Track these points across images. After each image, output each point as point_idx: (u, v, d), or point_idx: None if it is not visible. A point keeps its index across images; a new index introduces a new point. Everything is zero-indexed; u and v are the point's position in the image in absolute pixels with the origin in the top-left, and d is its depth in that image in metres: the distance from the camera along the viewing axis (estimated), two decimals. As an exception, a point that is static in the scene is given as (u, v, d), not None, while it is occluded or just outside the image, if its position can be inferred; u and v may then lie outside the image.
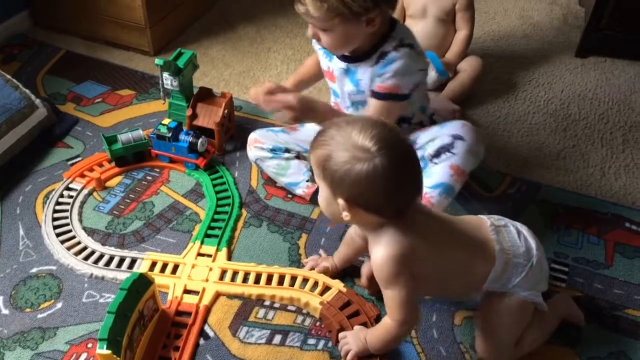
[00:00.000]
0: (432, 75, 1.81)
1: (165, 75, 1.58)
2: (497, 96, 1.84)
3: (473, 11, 1.81)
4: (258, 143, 1.49)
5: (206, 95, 1.66)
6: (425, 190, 1.28)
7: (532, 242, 1.09)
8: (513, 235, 1.09)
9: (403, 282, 1.00)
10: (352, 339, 1.12)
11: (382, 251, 1.00)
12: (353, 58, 1.32)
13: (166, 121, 1.52)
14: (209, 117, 1.61)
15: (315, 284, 1.26)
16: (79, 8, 1.99)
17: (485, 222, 1.09)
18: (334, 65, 1.36)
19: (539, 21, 2.20)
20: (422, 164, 1.32)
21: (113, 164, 1.55)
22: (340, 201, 0.97)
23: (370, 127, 0.94)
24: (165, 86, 1.60)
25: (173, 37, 2.07)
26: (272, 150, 1.47)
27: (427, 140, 1.35)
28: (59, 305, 1.23)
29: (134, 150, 1.53)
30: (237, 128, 1.68)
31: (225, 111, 1.62)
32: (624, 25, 1.94)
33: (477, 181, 1.54)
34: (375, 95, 1.30)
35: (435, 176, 1.30)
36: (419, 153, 1.35)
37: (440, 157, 1.30)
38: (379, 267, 1.01)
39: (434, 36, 1.82)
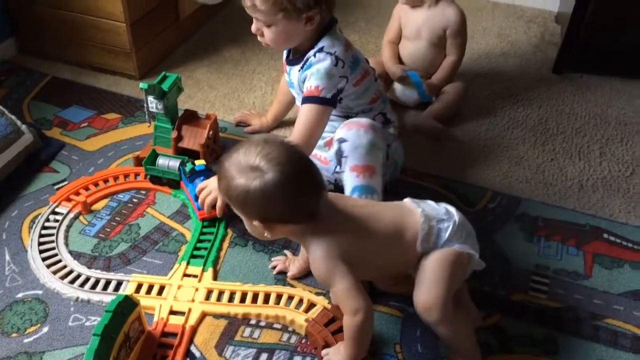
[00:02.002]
0: (414, 95, 1.85)
1: (150, 98, 1.60)
2: (477, 112, 1.88)
3: (464, 39, 1.84)
4: None
5: (191, 117, 1.68)
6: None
7: (451, 208, 1.17)
8: (432, 203, 1.17)
9: (340, 274, 1.05)
10: (333, 354, 1.14)
11: (313, 255, 1.07)
12: (290, 60, 1.42)
13: (200, 162, 1.53)
14: (194, 138, 1.63)
15: (300, 301, 1.27)
16: (64, 34, 2.01)
17: (405, 200, 1.18)
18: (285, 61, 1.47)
19: (516, 39, 2.26)
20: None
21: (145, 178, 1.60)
22: (256, 222, 1.04)
23: (254, 147, 1.01)
24: (150, 109, 1.62)
25: (158, 61, 2.09)
26: None
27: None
28: (45, 329, 1.23)
29: (163, 175, 1.56)
30: (222, 149, 1.71)
31: (210, 132, 1.64)
32: (598, 42, 1.99)
33: (458, 196, 1.57)
34: (302, 101, 1.38)
35: (347, 183, 1.35)
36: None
37: (341, 165, 1.36)
38: (316, 270, 1.08)
39: (424, 58, 1.86)
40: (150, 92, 1.58)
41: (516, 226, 1.49)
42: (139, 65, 2.01)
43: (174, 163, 1.56)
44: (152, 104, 1.61)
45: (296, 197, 1.02)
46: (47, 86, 1.97)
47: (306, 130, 1.36)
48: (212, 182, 1.36)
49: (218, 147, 1.71)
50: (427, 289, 1.09)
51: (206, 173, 1.51)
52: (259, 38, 1.38)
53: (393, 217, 1.13)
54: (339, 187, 1.44)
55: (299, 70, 1.39)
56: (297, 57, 1.41)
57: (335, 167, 1.39)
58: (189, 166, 1.52)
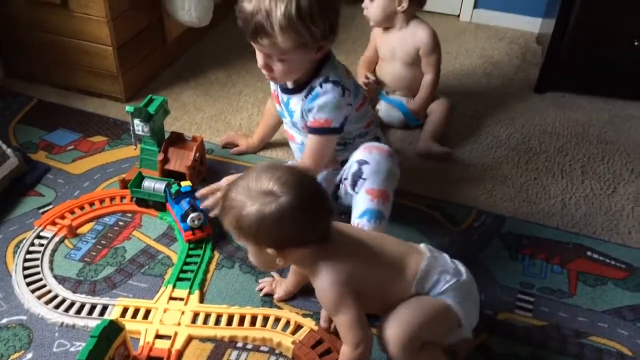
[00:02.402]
0: (398, 115, 1.88)
1: (136, 121, 1.61)
2: (462, 132, 1.91)
3: (438, 56, 1.87)
4: None
5: (177, 139, 1.69)
6: (356, 220, 1.33)
7: (463, 269, 1.14)
8: (447, 257, 1.15)
9: (348, 304, 1.04)
10: None
11: (322, 281, 1.05)
12: (287, 89, 1.40)
13: (186, 183, 1.53)
14: (181, 160, 1.64)
15: (287, 323, 1.27)
16: (50, 57, 2.02)
17: (421, 245, 1.16)
18: (278, 90, 1.46)
19: (499, 60, 2.30)
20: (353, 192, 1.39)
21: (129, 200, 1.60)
22: (269, 250, 1.02)
23: (265, 173, 1.01)
24: (137, 132, 1.63)
25: (145, 84, 2.10)
26: None
27: (345, 171, 1.40)
28: (29, 355, 1.22)
29: (149, 197, 1.56)
30: (208, 171, 1.71)
31: (197, 154, 1.65)
32: (578, 62, 2.03)
33: (444, 215, 1.58)
34: (310, 130, 1.39)
35: (359, 205, 1.34)
36: (347, 183, 1.40)
37: (357, 186, 1.35)
38: (324, 297, 1.06)
39: (403, 78, 1.89)
40: (137, 115, 1.59)
41: (501, 244, 1.51)
42: (125, 88, 2.01)
43: (160, 185, 1.56)
44: (139, 126, 1.62)
45: (310, 219, 1.02)
46: (33, 109, 1.97)
47: (317, 157, 1.40)
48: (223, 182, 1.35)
49: (204, 169, 1.71)
50: (398, 322, 1.06)
51: (192, 194, 1.51)
52: (264, 71, 1.35)
53: (399, 252, 1.12)
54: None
55: (302, 100, 1.38)
56: (297, 86, 1.39)
57: (344, 187, 1.41)
58: (174, 187, 1.52)
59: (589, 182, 1.72)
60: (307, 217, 1.01)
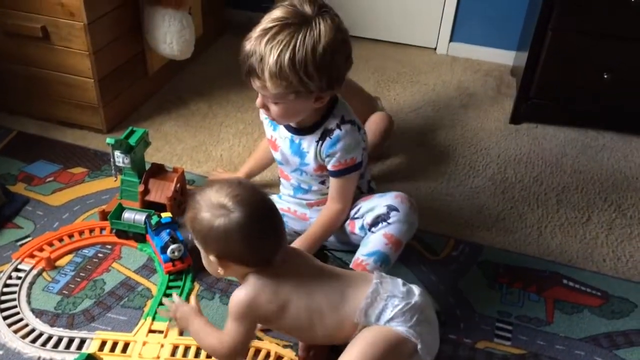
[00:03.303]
0: None
1: (117, 153, 1.61)
2: (439, 161, 1.95)
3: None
4: None
5: (158, 170, 1.69)
6: (361, 257, 1.35)
7: (417, 292, 1.13)
8: (399, 281, 1.14)
9: (244, 327, 1.11)
10: None
11: (239, 292, 1.10)
12: (298, 130, 1.39)
13: (166, 214, 1.53)
14: (161, 192, 1.64)
15: (268, 354, 1.27)
16: (31, 89, 2.03)
17: (375, 273, 1.15)
18: (279, 134, 1.43)
19: (475, 92, 2.36)
20: (363, 232, 1.40)
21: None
22: (212, 257, 1.09)
23: (226, 187, 1.07)
24: (117, 164, 1.63)
25: (126, 115, 2.11)
26: None
27: (366, 209, 1.41)
28: (4, 391, 1.20)
29: (129, 229, 1.56)
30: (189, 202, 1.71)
31: (178, 185, 1.65)
32: (550, 94, 2.10)
33: (423, 245, 1.60)
34: (335, 174, 1.38)
35: (370, 244, 1.36)
36: (359, 222, 1.43)
37: (377, 227, 1.37)
38: (231, 304, 1.11)
39: None
40: (117, 147, 1.60)
41: (479, 273, 1.53)
42: (106, 120, 2.02)
43: (140, 217, 1.56)
44: (119, 158, 1.62)
45: (256, 241, 1.07)
46: (13, 141, 1.97)
47: (347, 196, 1.42)
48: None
49: (185, 199, 1.71)
50: None
51: (172, 225, 1.52)
52: (261, 112, 1.36)
53: (341, 285, 1.12)
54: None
55: (317, 142, 1.36)
56: (307, 126, 1.37)
57: (350, 225, 1.43)
58: (155, 219, 1.52)
59: (564, 210, 1.76)
60: (253, 238, 1.06)
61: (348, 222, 1.45)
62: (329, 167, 1.38)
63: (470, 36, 2.56)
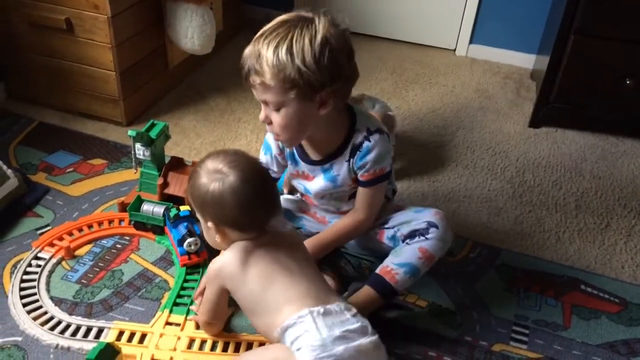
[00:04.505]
0: None
1: (138, 145, 1.62)
2: (457, 164, 1.94)
3: None
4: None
5: (177, 164, 1.70)
6: (392, 266, 1.35)
7: (369, 331, 1.11)
8: (345, 324, 1.10)
9: (210, 290, 1.21)
10: None
11: (217, 257, 1.19)
12: (325, 159, 1.36)
13: (185, 208, 1.53)
14: (180, 185, 1.65)
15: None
16: (53, 81, 2.05)
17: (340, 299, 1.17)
18: (304, 167, 1.40)
19: (494, 94, 2.35)
20: (392, 242, 1.41)
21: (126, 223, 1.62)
22: (210, 224, 1.15)
23: (222, 155, 1.14)
24: (138, 156, 1.64)
25: (146, 109, 2.13)
26: None
27: (401, 221, 1.41)
28: (23, 377, 1.21)
29: (148, 221, 1.57)
30: (207, 196, 1.72)
31: (196, 180, 1.66)
32: (571, 99, 2.08)
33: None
34: (364, 184, 1.36)
35: (404, 255, 1.35)
36: (390, 232, 1.42)
37: (413, 239, 1.36)
38: (209, 267, 1.21)
39: None
40: (138, 140, 1.61)
41: (496, 276, 1.52)
42: (126, 113, 2.04)
43: (159, 209, 1.57)
44: (140, 151, 1.63)
45: (250, 204, 1.12)
46: (34, 131, 1.99)
47: (375, 206, 1.40)
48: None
49: (203, 194, 1.72)
50: None
51: (190, 219, 1.52)
52: (267, 128, 1.30)
53: (288, 292, 1.13)
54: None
55: (347, 160, 1.33)
56: (332, 152, 1.34)
57: (380, 234, 1.43)
58: (173, 212, 1.53)
59: (583, 216, 1.74)
60: (247, 203, 1.11)
61: (377, 230, 1.45)
62: (359, 177, 1.36)
63: (491, 38, 2.55)
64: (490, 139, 2.07)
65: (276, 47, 1.16)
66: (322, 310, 1.10)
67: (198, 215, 1.19)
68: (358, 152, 1.32)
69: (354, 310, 1.14)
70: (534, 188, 1.85)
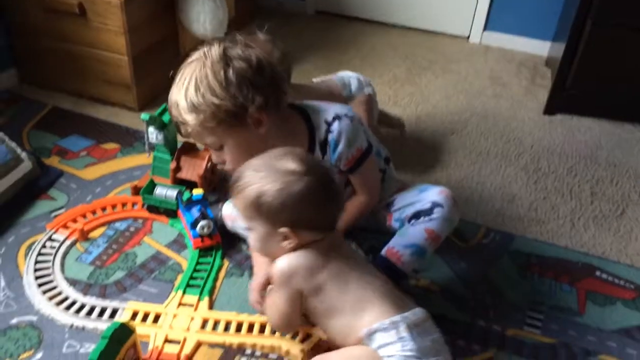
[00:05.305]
0: None
1: (150, 129, 1.62)
2: (471, 150, 1.93)
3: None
4: (232, 218, 1.49)
5: (190, 148, 1.70)
6: (397, 248, 1.33)
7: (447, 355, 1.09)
8: (429, 337, 1.08)
9: (286, 295, 1.10)
10: None
11: (281, 260, 1.10)
12: None
13: (198, 191, 1.53)
14: (193, 169, 1.65)
15: (296, 332, 1.27)
16: (65, 65, 2.05)
17: (415, 309, 1.10)
18: None
19: (508, 81, 2.33)
20: (397, 224, 1.39)
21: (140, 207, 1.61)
22: (283, 230, 1.07)
23: (284, 154, 1.08)
24: (150, 140, 1.64)
25: (158, 94, 2.12)
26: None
27: (406, 203, 1.39)
28: (39, 355, 1.21)
29: (161, 204, 1.57)
30: (220, 180, 1.72)
31: (209, 164, 1.66)
32: (587, 85, 2.06)
33: (454, 232, 1.57)
34: (350, 171, 1.34)
35: (409, 236, 1.33)
36: (396, 215, 1.41)
37: (418, 220, 1.34)
38: (274, 271, 1.11)
39: None
40: (151, 123, 1.61)
41: (510, 262, 1.51)
42: (138, 98, 2.04)
43: (172, 193, 1.57)
44: (152, 134, 1.63)
45: (326, 203, 1.08)
46: (47, 115, 1.99)
47: (370, 187, 1.39)
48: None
49: (216, 178, 1.72)
50: None
51: (203, 202, 1.52)
52: (225, 169, 1.29)
53: (365, 291, 1.09)
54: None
55: (323, 157, 1.31)
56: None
57: (389, 217, 1.41)
58: (186, 195, 1.53)
59: (598, 203, 1.73)
60: (325, 201, 1.07)
61: (385, 213, 1.43)
62: (342, 168, 1.34)
63: (505, 25, 2.53)
64: (504, 126, 2.06)
65: (186, 91, 1.17)
66: (413, 318, 1.07)
67: (254, 223, 1.08)
68: (328, 148, 1.30)
69: (428, 314, 1.11)
70: (548, 175, 1.83)
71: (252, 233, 1.11)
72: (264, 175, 1.05)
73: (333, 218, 1.10)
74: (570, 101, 2.10)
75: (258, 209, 1.05)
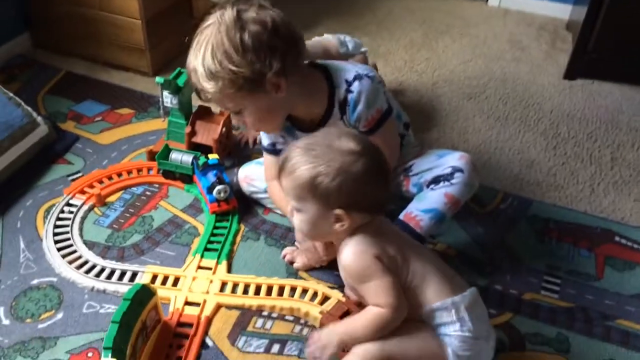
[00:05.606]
0: None
1: (165, 93, 1.61)
2: (489, 115, 1.90)
3: None
4: (249, 180, 1.50)
5: (205, 113, 1.69)
6: (416, 212, 1.32)
7: (492, 335, 1.10)
8: (483, 318, 1.08)
9: (381, 270, 1.02)
10: (327, 339, 1.07)
11: (351, 249, 1.04)
12: (318, 124, 1.31)
13: (213, 156, 1.53)
14: (208, 134, 1.64)
15: (315, 294, 1.28)
16: (79, 30, 2.03)
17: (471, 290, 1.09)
18: (303, 137, 1.34)
19: (527, 45, 2.27)
20: (415, 189, 1.38)
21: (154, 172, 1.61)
22: (338, 211, 1.02)
23: (340, 133, 1.04)
24: (165, 104, 1.63)
25: (171, 59, 2.10)
26: (265, 191, 1.46)
27: (424, 168, 1.38)
28: (60, 315, 1.23)
29: (176, 169, 1.57)
30: (234, 146, 1.72)
31: (224, 129, 1.65)
32: (609, 49, 2.01)
33: (471, 197, 1.57)
34: (369, 132, 1.30)
35: (428, 201, 1.32)
36: (414, 179, 1.39)
37: (437, 184, 1.33)
38: (350, 265, 1.04)
39: None
40: (166, 87, 1.60)
41: (528, 227, 1.50)
42: (152, 63, 2.02)
43: (187, 157, 1.56)
44: (167, 98, 1.62)
45: (381, 183, 1.04)
46: (61, 80, 1.99)
47: (391, 148, 1.32)
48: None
49: (230, 143, 1.72)
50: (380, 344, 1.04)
51: (219, 167, 1.52)
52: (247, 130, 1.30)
53: (425, 267, 1.06)
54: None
55: (340, 119, 1.29)
56: (322, 115, 1.29)
57: (407, 182, 1.40)
58: (202, 159, 1.53)
59: (618, 168, 1.70)
60: (379, 181, 1.03)
61: (402, 178, 1.42)
62: (361, 129, 1.31)
63: (525, -13, 2.46)
64: (524, 90, 2.02)
65: (203, 59, 1.15)
66: (471, 298, 1.05)
67: (307, 204, 1.03)
68: (347, 108, 1.28)
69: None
70: (568, 140, 1.80)
71: (300, 214, 1.06)
72: (319, 154, 1.00)
73: (384, 199, 1.06)
74: (591, 65, 2.05)
75: (313, 189, 1.00)
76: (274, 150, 1.37)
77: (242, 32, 1.14)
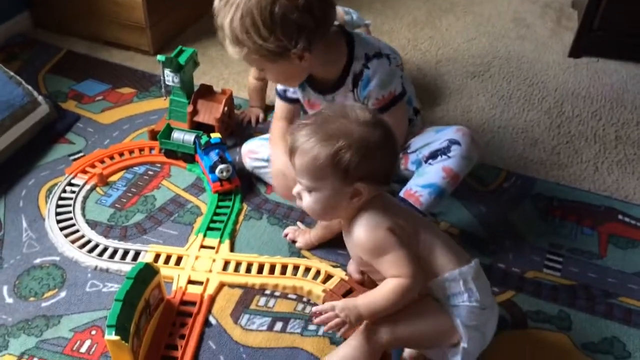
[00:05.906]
0: None
1: (167, 71, 1.60)
2: (493, 94, 1.88)
3: None
4: (252, 154, 1.49)
5: (207, 92, 1.68)
6: (415, 188, 1.31)
7: (495, 304, 1.09)
8: (486, 285, 1.07)
9: (396, 242, 1.00)
10: (350, 310, 1.02)
11: (363, 225, 1.02)
12: (328, 88, 1.31)
13: (215, 135, 1.52)
14: (210, 113, 1.63)
15: (318, 272, 1.28)
16: (79, 9, 2.01)
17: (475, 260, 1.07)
18: (312, 95, 1.36)
19: (532, 23, 2.25)
20: (414, 166, 1.36)
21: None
22: (358, 185, 0.98)
23: (350, 106, 1.02)
24: (167, 82, 1.62)
25: (172, 38, 2.09)
26: (269, 160, 1.45)
27: (422, 144, 1.36)
28: (63, 294, 1.24)
29: (178, 148, 1.56)
30: (236, 124, 1.71)
31: (226, 108, 1.64)
32: (615, 27, 1.98)
33: (473, 176, 1.56)
34: (379, 111, 1.28)
35: (427, 176, 1.31)
36: (413, 157, 1.38)
37: (435, 159, 1.31)
38: (365, 241, 1.02)
39: None
40: (167, 65, 1.58)
41: (531, 206, 1.49)
42: (153, 41, 2.00)
43: (189, 137, 1.56)
44: (169, 77, 1.61)
45: (395, 153, 1.04)
46: (62, 60, 1.97)
47: (399, 129, 1.28)
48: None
49: (233, 122, 1.71)
50: (392, 326, 1.03)
51: (221, 146, 1.51)
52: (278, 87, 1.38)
53: (434, 240, 1.04)
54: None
55: (351, 91, 1.29)
56: (334, 81, 1.30)
57: (405, 160, 1.39)
58: (204, 139, 1.52)
59: (623, 147, 1.69)
60: (393, 149, 1.02)
61: (401, 156, 1.40)
62: (372, 106, 1.30)
63: (530, -36, 2.42)
64: (528, 69, 2.00)
65: (231, 22, 1.15)
66: (477, 269, 1.04)
67: (326, 181, 0.99)
68: (360, 82, 1.27)
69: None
70: (572, 119, 1.79)
71: (314, 194, 1.01)
72: (334, 128, 0.97)
73: (393, 170, 1.04)
74: (597, 43, 2.03)
75: (334, 166, 0.96)
76: (284, 97, 1.41)
77: (273, 4, 1.12)
